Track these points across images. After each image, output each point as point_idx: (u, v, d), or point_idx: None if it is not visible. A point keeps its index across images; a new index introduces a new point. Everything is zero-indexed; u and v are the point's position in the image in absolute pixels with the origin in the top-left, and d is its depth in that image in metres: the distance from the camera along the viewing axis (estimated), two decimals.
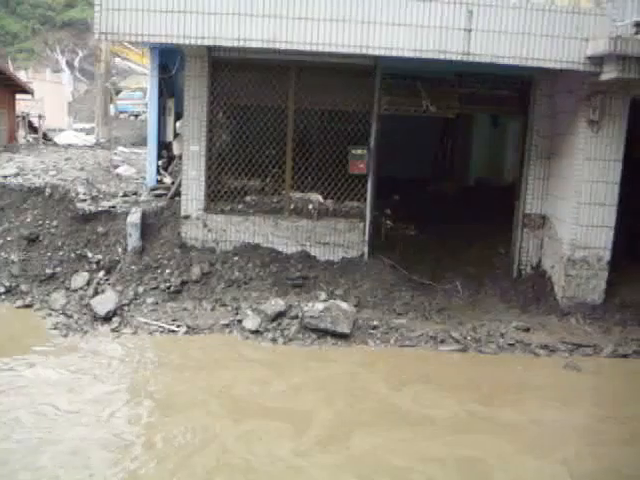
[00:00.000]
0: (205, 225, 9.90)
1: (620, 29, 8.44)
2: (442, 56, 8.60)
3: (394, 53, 8.61)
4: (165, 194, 11.21)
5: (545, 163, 10.13)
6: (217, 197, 10.02)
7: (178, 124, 11.37)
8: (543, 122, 10.09)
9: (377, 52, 8.65)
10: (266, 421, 6.16)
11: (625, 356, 8.37)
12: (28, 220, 10.28)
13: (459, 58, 8.62)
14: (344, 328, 8.17)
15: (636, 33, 8.28)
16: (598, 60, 8.60)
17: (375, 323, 8.55)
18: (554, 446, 6.06)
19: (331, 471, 5.41)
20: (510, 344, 8.37)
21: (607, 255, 9.38)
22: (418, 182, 13.24)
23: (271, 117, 9.85)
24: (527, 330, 8.75)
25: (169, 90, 11.92)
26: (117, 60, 24.55)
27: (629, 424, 6.51)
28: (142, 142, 15.86)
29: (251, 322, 8.38)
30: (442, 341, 8.34)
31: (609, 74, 8.51)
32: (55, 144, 19.34)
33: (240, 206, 10.03)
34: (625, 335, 8.85)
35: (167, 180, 11.78)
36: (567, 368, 7.89)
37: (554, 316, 9.27)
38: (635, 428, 6.41)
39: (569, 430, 6.47)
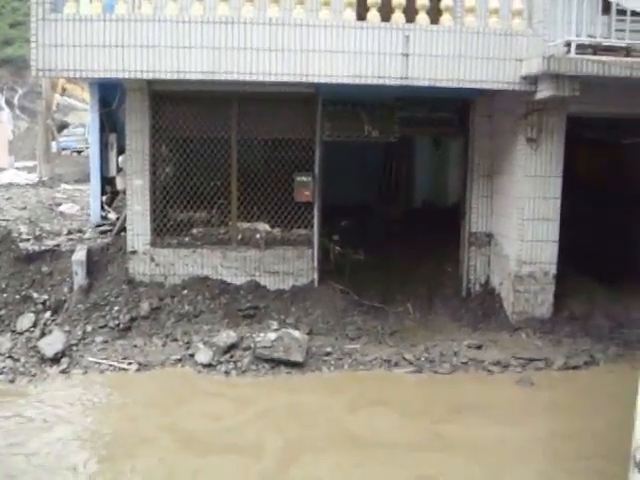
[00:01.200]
0: (152, 260, 9.77)
1: (552, 49, 8.66)
2: (381, 81, 8.72)
3: (334, 80, 8.69)
4: (110, 230, 11.07)
5: (488, 182, 10.30)
6: (163, 231, 9.90)
7: (121, 159, 11.26)
8: (483, 142, 10.27)
9: (317, 79, 8.72)
10: (219, 456, 6.05)
11: (576, 368, 8.49)
12: None
13: (398, 83, 8.74)
14: (297, 357, 8.12)
15: (567, 52, 8.51)
16: (533, 79, 8.82)
17: (328, 349, 8.51)
18: (510, 463, 6.08)
19: None
20: (463, 362, 8.42)
21: (553, 269, 9.53)
22: (364, 207, 13.30)
23: (214, 148, 9.80)
24: (479, 348, 8.82)
25: (111, 125, 11.81)
26: (57, 96, 24.24)
27: (583, 438, 6.54)
28: (86, 179, 15.67)
29: (203, 356, 8.27)
30: (396, 364, 8.34)
31: (544, 92, 8.73)
32: None
33: (187, 239, 9.92)
34: (575, 347, 8.98)
35: (112, 216, 11.65)
36: (520, 383, 7.97)
37: (505, 332, 9.37)
38: (589, 442, 6.43)
39: (525, 446, 6.49)
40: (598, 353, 8.84)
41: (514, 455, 6.26)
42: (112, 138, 11.85)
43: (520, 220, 9.46)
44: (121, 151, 11.10)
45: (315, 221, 9.88)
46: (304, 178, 9.74)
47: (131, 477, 5.67)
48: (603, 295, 10.01)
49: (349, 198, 12.69)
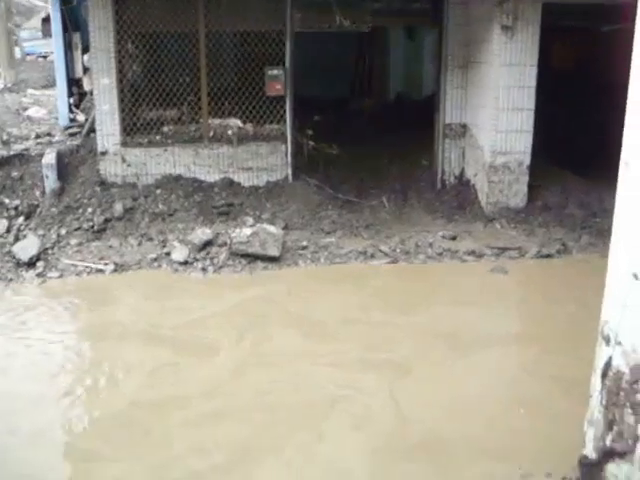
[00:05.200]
0: (124, 160, 9.62)
1: None
2: None
3: None
4: (79, 132, 10.85)
5: (462, 72, 10.12)
6: (133, 130, 9.71)
7: (86, 58, 10.93)
8: (458, 31, 10.02)
9: None
10: (180, 355, 6.03)
11: (549, 256, 8.57)
12: None
13: None
14: (273, 251, 8.11)
15: None
16: None
17: (304, 243, 8.52)
18: (476, 346, 6.17)
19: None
20: (438, 253, 8.47)
21: (527, 159, 9.50)
22: (338, 101, 13.12)
23: (182, 43, 9.52)
24: (454, 238, 8.87)
25: (73, 23, 11.40)
26: None
27: (553, 322, 6.66)
28: (52, 84, 15.20)
29: (179, 253, 8.24)
30: (372, 255, 8.38)
31: None
32: None
33: (158, 137, 9.74)
34: (548, 236, 9.05)
35: (80, 118, 11.39)
36: (494, 271, 8.04)
37: (479, 223, 9.42)
38: (559, 325, 6.55)
39: (493, 330, 6.60)
40: (571, 242, 8.91)
41: (480, 338, 6.34)
42: (76, 38, 11.47)
43: (495, 110, 9.35)
44: (86, 50, 10.75)
45: (288, 116, 9.71)
46: (275, 71, 9.52)
47: (102, 373, 5.73)
48: (577, 185, 10.04)
49: (323, 92, 12.50)
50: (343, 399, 5.25)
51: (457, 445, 4.64)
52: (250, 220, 8.94)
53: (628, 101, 3.15)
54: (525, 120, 9.40)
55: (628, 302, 2.96)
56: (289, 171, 9.77)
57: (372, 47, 14.72)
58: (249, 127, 9.73)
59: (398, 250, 8.49)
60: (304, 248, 8.45)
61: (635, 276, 2.91)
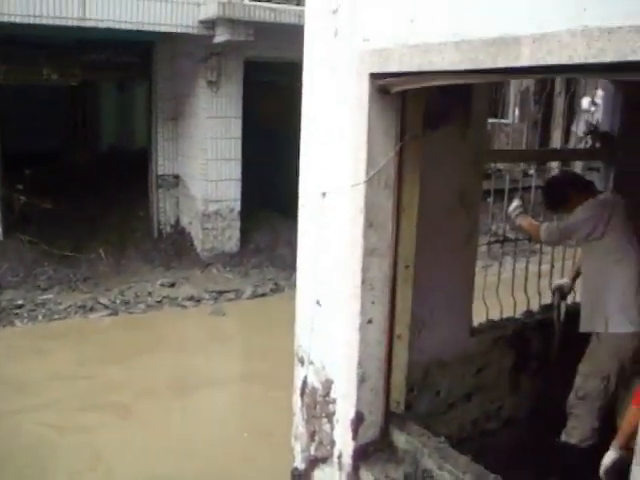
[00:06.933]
0: None
1: None
2: (58, 22, 8.34)
3: (5, 19, 8.11)
4: None
5: (173, 124, 10.51)
6: None
7: None
8: (166, 85, 10.40)
9: None
10: None
11: (263, 295, 9.23)
12: None
13: (76, 24, 8.43)
14: None
15: None
16: (210, 24, 9.08)
17: (20, 302, 8.29)
18: (200, 388, 6.49)
19: None
20: (158, 301, 8.72)
21: (237, 206, 10.14)
22: (50, 154, 12.71)
23: None
24: (172, 285, 9.19)
25: None
26: None
27: (265, 354, 7.04)
28: None
29: None
30: (92, 309, 8.38)
31: (221, 37, 9.06)
32: None
33: None
34: (262, 277, 9.71)
35: None
36: (213, 314, 8.46)
37: (197, 269, 9.83)
38: (276, 362, 6.78)
39: (218, 372, 6.95)
40: (282, 281, 9.61)
41: (203, 380, 6.65)
42: None
43: (204, 160, 9.84)
44: None
45: None
46: None
47: None
48: (285, 226, 10.75)
49: (35, 145, 12.07)
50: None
51: None
52: None
53: (300, 156, 3.53)
54: (234, 169, 10.02)
55: (314, 326, 3.38)
56: None
57: (85, 98, 14.50)
58: None
59: (118, 301, 8.58)
60: (20, 307, 8.20)
61: (318, 302, 3.34)
